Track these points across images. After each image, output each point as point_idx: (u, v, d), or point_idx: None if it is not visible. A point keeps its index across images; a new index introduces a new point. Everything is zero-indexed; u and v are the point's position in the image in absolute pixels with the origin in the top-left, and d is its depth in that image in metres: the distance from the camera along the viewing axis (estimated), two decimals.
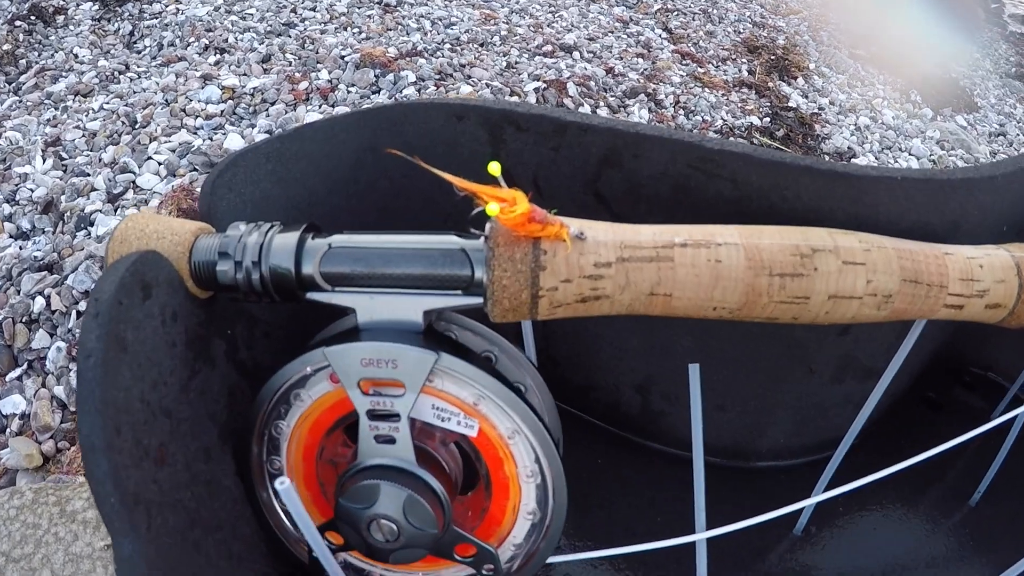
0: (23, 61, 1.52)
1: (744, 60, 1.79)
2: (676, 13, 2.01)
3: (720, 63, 1.76)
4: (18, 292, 0.82)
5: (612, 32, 1.81)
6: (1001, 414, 0.56)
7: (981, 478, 0.49)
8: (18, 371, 0.74)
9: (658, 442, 0.51)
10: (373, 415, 0.31)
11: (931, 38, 2.27)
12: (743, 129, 1.42)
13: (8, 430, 0.70)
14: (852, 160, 1.42)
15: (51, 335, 0.78)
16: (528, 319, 0.29)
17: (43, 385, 0.73)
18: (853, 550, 0.46)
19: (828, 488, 0.39)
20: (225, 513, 0.32)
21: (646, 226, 0.29)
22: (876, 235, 0.32)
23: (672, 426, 0.50)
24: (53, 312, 0.79)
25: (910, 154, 1.53)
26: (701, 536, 0.35)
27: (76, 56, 1.52)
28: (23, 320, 0.78)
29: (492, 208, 0.26)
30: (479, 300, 0.29)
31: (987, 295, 0.34)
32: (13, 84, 1.44)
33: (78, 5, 1.77)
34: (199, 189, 0.97)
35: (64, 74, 1.45)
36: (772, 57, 1.81)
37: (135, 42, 1.58)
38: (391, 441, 0.31)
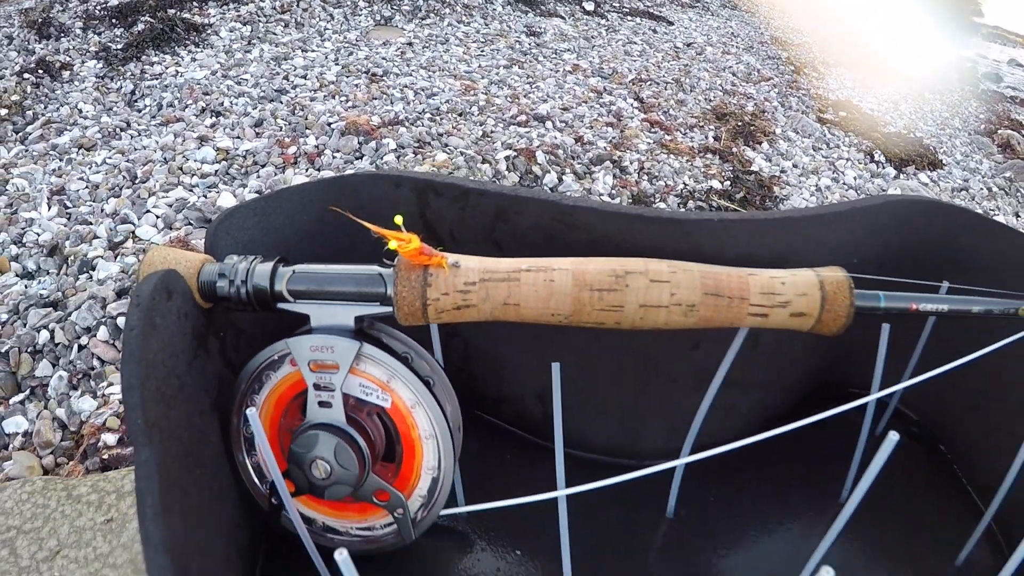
0: (30, 112, 1.70)
1: (712, 127, 2.00)
2: (649, 83, 2.24)
3: (688, 130, 1.97)
4: (24, 325, 0.97)
5: (586, 102, 2.02)
6: (873, 426, 0.66)
7: (845, 477, 0.59)
8: (21, 396, 0.89)
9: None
10: (317, 387, 0.47)
11: (902, 101, 2.51)
12: (703, 192, 1.60)
13: (11, 446, 0.84)
14: None
15: (53, 365, 0.93)
16: (422, 322, 0.45)
17: (45, 407, 0.88)
18: (721, 532, 0.59)
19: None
20: (209, 458, 0.47)
21: (505, 259, 0.46)
22: (687, 262, 0.47)
23: (569, 429, 0.65)
24: (56, 344, 0.94)
25: None
26: (562, 493, 0.49)
27: (80, 111, 1.70)
28: (28, 350, 0.94)
29: (394, 245, 0.42)
30: (390, 308, 0.45)
31: (789, 305, 0.44)
32: (20, 133, 1.61)
33: (83, 62, 1.97)
34: (193, 242, 1.14)
35: (69, 127, 1.62)
36: (739, 123, 2.02)
37: (136, 100, 1.77)
38: (329, 405, 0.47)
